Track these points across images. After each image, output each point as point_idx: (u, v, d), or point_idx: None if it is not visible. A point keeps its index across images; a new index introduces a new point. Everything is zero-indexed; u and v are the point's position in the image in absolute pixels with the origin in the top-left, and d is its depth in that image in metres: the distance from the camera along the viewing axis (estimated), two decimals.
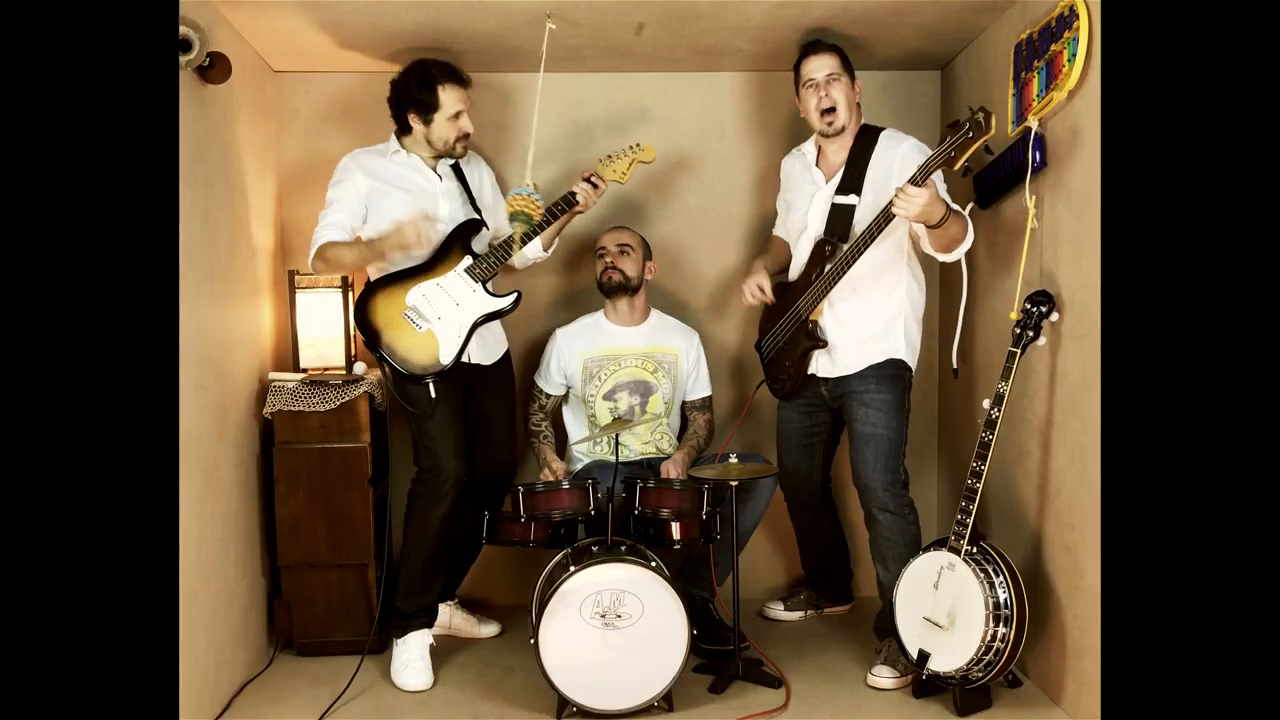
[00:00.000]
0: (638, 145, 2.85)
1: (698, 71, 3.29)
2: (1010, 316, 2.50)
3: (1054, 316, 2.40)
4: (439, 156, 2.80)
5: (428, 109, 2.70)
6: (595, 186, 2.78)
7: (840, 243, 2.65)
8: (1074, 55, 2.27)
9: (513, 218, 2.70)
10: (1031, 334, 2.42)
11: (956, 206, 2.55)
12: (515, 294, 2.77)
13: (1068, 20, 2.30)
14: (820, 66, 2.71)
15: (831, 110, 2.70)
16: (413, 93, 2.70)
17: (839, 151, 2.77)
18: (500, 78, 3.17)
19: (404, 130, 2.77)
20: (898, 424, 2.69)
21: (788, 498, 3.07)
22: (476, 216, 2.81)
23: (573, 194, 2.76)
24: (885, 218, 2.47)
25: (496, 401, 2.94)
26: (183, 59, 2.30)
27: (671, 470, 2.90)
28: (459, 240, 2.73)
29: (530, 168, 2.74)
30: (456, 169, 2.85)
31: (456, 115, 2.72)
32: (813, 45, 2.76)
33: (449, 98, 2.70)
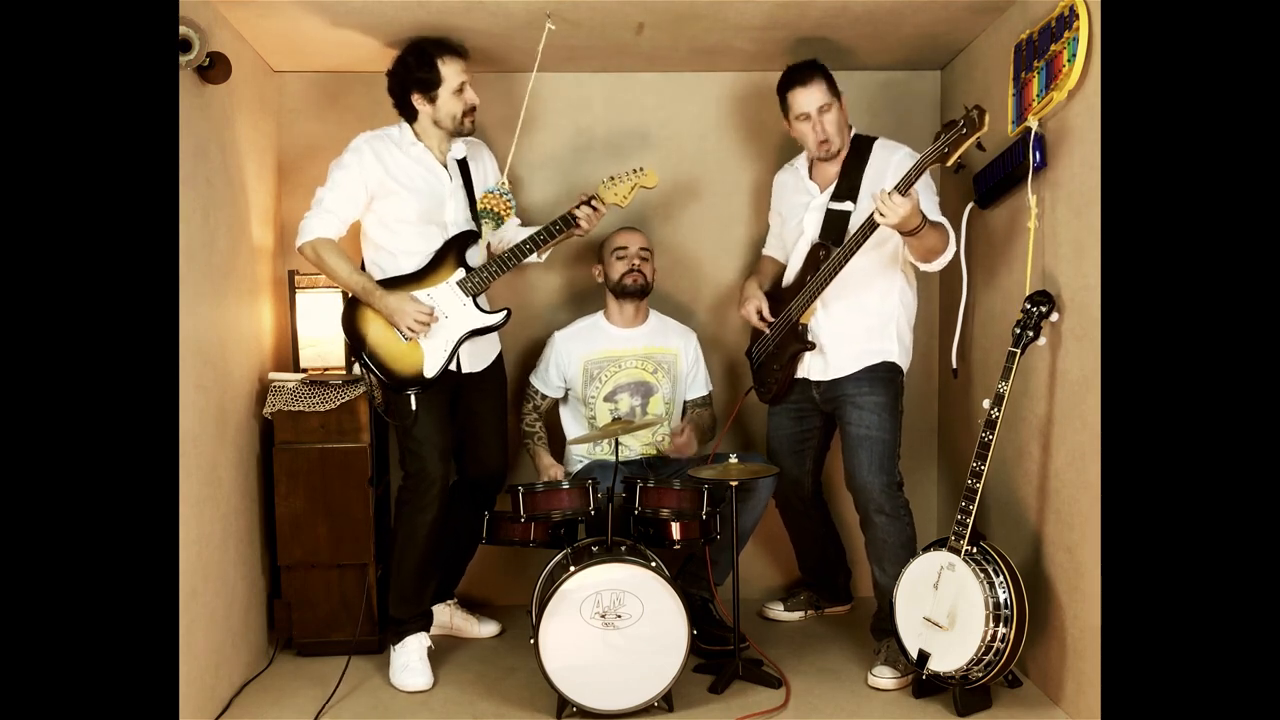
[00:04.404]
0: (640, 169, 2.82)
1: (698, 71, 3.29)
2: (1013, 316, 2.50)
3: (1054, 316, 2.40)
4: (450, 135, 2.74)
5: (430, 85, 2.65)
6: (595, 210, 2.76)
7: (835, 247, 2.66)
8: (1074, 55, 2.27)
9: (482, 214, 2.70)
10: (1031, 334, 2.42)
11: (941, 220, 2.59)
12: (505, 311, 2.75)
13: (1068, 20, 2.30)
14: (811, 100, 2.68)
15: (827, 141, 2.70)
16: (413, 72, 2.65)
17: (833, 163, 2.78)
18: (501, 78, 3.17)
19: (410, 117, 2.72)
20: (892, 425, 2.69)
21: (780, 504, 3.07)
22: (474, 227, 2.79)
23: (573, 216, 2.73)
24: (870, 224, 2.48)
25: (486, 400, 2.91)
26: (183, 59, 2.30)
27: (679, 438, 2.93)
28: (453, 251, 2.70)
29: (509, 166, 2.75)
30: (463, 166, 2.82)
31: (460, 89, 2.67)
32: (800, 74, 2.71)
33: (450, 70, 2.66)
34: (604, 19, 2.76)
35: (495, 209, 2.69)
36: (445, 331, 2.67)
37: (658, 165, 2.91)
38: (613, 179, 2.81)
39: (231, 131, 2.74)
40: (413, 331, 2.60)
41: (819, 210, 2.77)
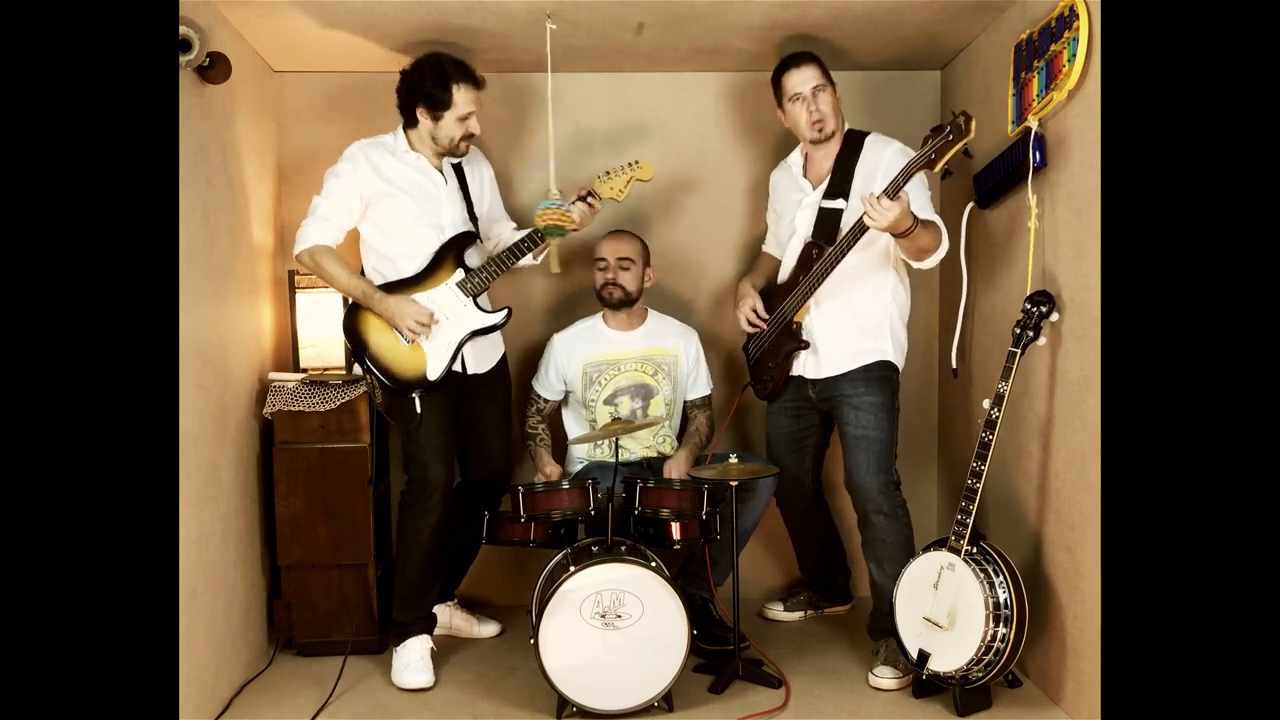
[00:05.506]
0: (636, 163, 2.81)
1: (698, 71, 3.29)
2: (1014, 316, 2.50)
3: (1054, 316, 2.40)
4: (441, 154, 2.76)
5: (439, 106, 2.65)
6: (590, 205, 2.76)
7: (827, 245, 2.66)
8: (1074, 55, 2.27)
9: (547, 232, 2.70)
10: (1031, 334, 2.42)
11: (934, 218, 2.59)
12: (506, 310, 2.75)
13: (1068, 20, 2.30)
14: (805, 79, 2.71)
15: (821, 120, 2.71)
16: (426, 87, 2.64)
17: (825, 159, 2.78)
18: (501, 77, 3.17)
19: (410, 123, 2.72)
20: (889, 425, 2.70)
21: (780, 502, 3.07)
22: (472, 228, 2.79)
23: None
24: (861, 227, 2.49)
25: (490, 403, 2.91)
26: (183, 59, 2.30)
27: (674, 470, 2.90)
28: (452, 253, 2.70)
29: (553, 176, 2.73)
30: (458, 170, 2.82)
31: (466, 116, 2.67)
32: (794, 58, 2.75)
33: (462, 97, 2.65)
34: (604, 19, 2.76)
35: (557, 222, 2.68)
36: (447, 333, 2.67)
37: (657, 164, 2.91)
38: (608, 174, 2.81)
39: (231, 132, 2.74)
40: (413, 334, 2.60)
41: (811, 208, 2.77)
